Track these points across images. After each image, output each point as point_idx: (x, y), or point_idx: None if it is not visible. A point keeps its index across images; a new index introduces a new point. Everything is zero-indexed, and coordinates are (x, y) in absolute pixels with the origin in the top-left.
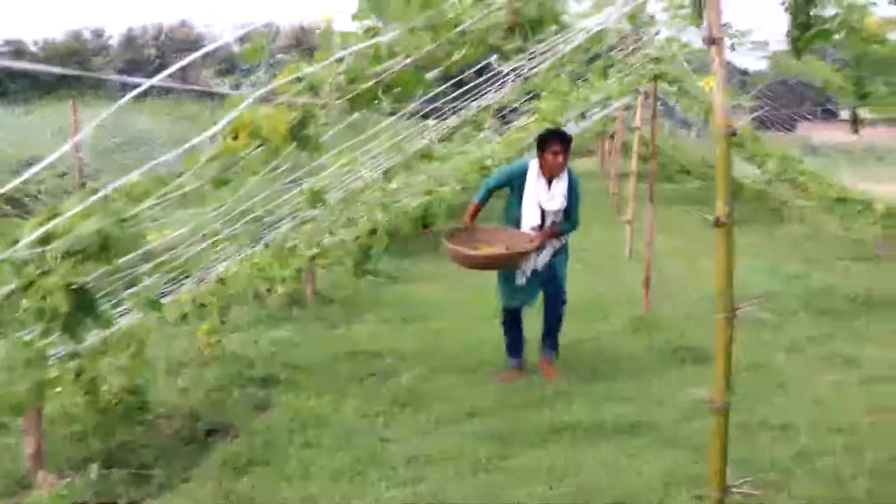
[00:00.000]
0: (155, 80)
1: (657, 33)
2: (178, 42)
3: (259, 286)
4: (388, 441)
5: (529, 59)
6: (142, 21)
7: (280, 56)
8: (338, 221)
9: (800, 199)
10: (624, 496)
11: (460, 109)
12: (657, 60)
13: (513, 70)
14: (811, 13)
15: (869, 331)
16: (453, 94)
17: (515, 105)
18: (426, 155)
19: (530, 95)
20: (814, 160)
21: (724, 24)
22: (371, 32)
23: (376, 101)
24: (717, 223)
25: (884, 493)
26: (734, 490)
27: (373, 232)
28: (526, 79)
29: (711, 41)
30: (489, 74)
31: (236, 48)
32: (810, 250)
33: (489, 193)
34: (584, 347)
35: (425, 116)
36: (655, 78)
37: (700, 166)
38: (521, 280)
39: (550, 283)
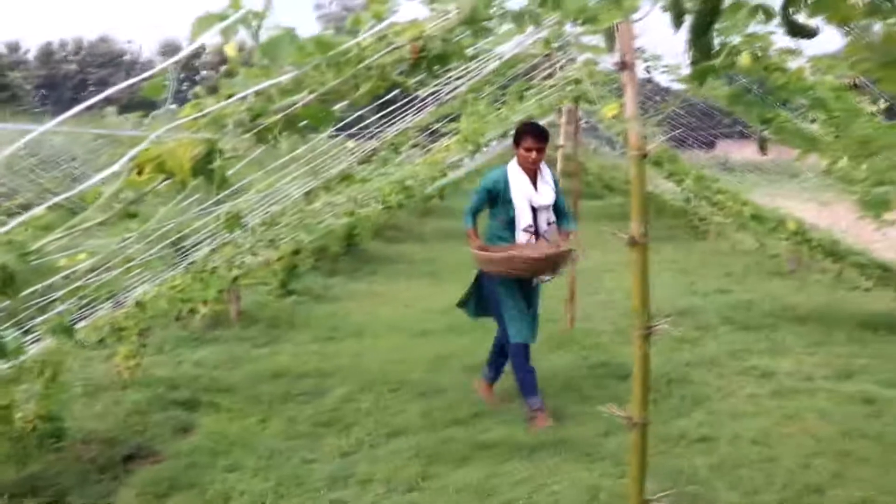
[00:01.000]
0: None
1: (574, 58)
2: (98, 56)
3: (181, 308)
4: (312, 462)
5: (446, 84)
6: (60, 35)
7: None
8: (260, 242)
9: (718, 216)
10: None
11: (379, 132)
12: (576, 82)
13: (431, 94)
14: (712, 41)
15: (784, 344)
16: (371, 119)
17: (436, 127)
18: (347, 177)
19: (449, 118)
20: (731, 178)
21: (637, 49)
22: (269, 71)
23: (283, 135)
24: (633, 242)
25: (795, 501)
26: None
27: (296, 252)
28: (443, 103)
29: (623, 66)
30: (406, 99)
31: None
32: (729, 266)
33: (476, 215)
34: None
35: (350, 135)
36: (576, 99)
37: (623, 183)
38: (522, 309)
39: (532, 305)
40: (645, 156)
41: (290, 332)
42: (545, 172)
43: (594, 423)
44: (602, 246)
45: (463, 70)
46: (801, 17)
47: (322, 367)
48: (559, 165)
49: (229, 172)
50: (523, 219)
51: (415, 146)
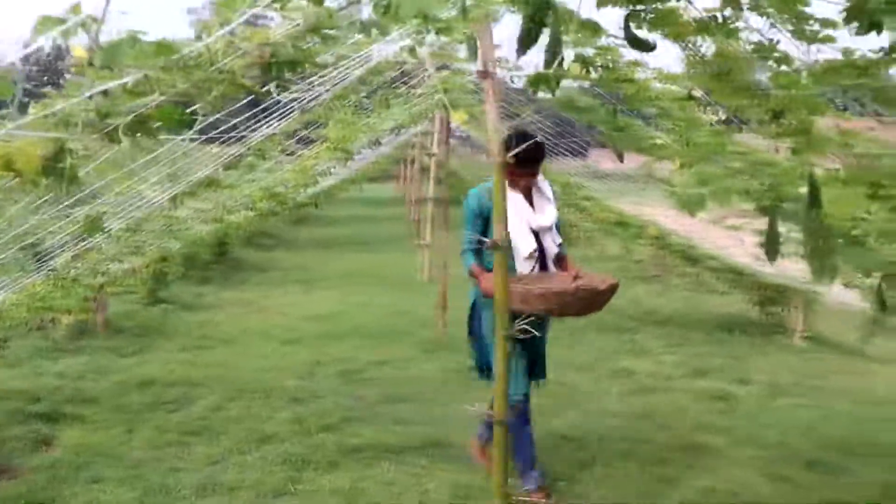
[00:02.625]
0: None
1: (446, 66)
2: None
3: (42, 316)
4: (180, 471)
5: (308, 91)
6: None
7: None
8: (125, 249)
9: (586, 222)
10: None
11: (243, 137)
12: (445, 90)
13: (293, 100)
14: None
15: (646, 346)
16: (232, 122)
17: (303, 133)
18: (212, 182)
19: (316, 125)
20: (601, 185)
21: (499, 59)
22: (112, 74)
23: (137, 136)
24: (495, 246)
25: (652, 492)
26: (517, 498)
27: (163, 259)
28: (306, 111)
29: (484, 75)
30: (268, 103)
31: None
32: (597, 271)
33: (477, 251)
34: (376, 371)
35: (213, 139)
36: (445, 107)
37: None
38: (520, 360)
39: (538, 351)
40: (505, 162)
41: (159, 341)
42: (542, 185)
43: (463, 425)
44: None
45: (325, 77)
46: (642, 32)
47: (192, 375)
48: (432, 173)
49: (81, 172)
50: (523, 245)
51: (285, 153)
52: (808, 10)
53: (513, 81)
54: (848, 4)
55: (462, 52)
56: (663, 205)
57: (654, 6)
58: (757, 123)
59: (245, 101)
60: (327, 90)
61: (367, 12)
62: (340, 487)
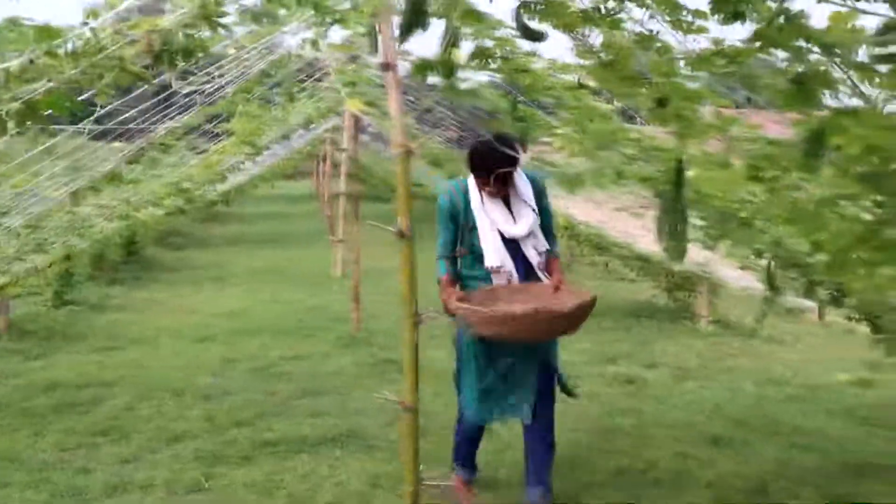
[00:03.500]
0: None
1: (355, 59)
2: None
3: None
4: (90, 472)
5: (209, 83)
6: None
7: None
8: (26, 247)
9: None
10: (329, 502)
11: (144, 130)
12: (352, 84)
13: (195, 92)
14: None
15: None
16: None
17: (208, 128)
18: (115, 177)
19: (221, 118)
20: None
21: (401, 51)
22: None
23: (26, 123)
24: (401, 235)
25: (557, 475)
26: (427, 482)
27: (68, 258)
28: (210, 104)
29: (386, 67)
30: (166, 94)
31: None
32: None
33: (452, 257)
34: (289, 366)
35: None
36: (367, 104)
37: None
38: (497, 382)
39: (542, 373)
40: (409, 152)
41: (67, 343)
42: (520, 184)
43: (378, 416)
44: (389, 247)
45: (225, 68)
46: (534, 23)
47: (101, 376)
48: (344, 168)
49: None
50: (490, 256)
51: (190, 148)
52: (682, 1)
53: (415, 75)
54: None
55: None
56: (576, 196)
57: None
58: (646, 111)
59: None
60: (226, 81)
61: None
62: (255, 481)
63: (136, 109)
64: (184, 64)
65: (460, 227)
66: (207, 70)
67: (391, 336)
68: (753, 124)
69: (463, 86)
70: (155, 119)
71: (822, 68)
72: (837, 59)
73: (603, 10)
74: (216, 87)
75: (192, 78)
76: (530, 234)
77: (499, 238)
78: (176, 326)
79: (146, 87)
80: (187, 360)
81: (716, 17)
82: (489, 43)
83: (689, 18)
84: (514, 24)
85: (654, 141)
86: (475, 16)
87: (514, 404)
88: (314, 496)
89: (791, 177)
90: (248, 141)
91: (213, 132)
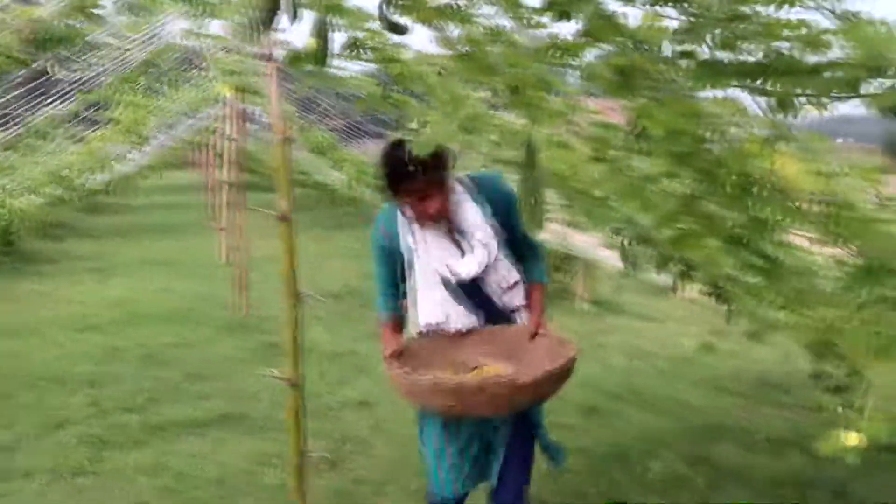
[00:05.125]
0: None
1: (234, 48)
2: None
3: None
4: None
5: (89, 70)
6: None
7: None
8: None
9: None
10: (216, 479)
11: (18, 117)
12: (237, 73)
13: (76, 80)
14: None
15: None
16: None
17: (86, 115)
18: None
19: (100, 106)
20: None
21: (282, 42)
22: None
23: None
24: (282, 218)
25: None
26: (311, 455)
27: None
28: (88, 91)
29: (266, 57)
30: (41, 80)
31: None
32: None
33: (393, 296)
34: (177, 353)
35: None
36: (237, 89)
37: (297, 174)
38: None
39: (517, 426)
40: (288, 139)
41: None
42: (463, 201)
43: (266, 398)
44: (276, 238)
45: (104, 57)
46: (397, 17)
47: None
48: (226, 157)
49: None
50: (426, 310)
51: (69, 136)
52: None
53: (289, 66)
54: None
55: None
56: None
57: None
58: (503, 99)
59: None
60: (105, 69)
61: None
62: (143, 463)
63: (12, 95)
64: (64, 52)
65: (399, 263)
66: (85, 58)
67: (277, 321)
68: (594, 110)
69: (336, 75)
70: (31, 106)
71: (639, 62)
72: (649, 55)
73: (455, 7)
74: (94, 74)
75: (72, 66)
76: (488, 265)
77: (439, 283)
78: (58, 317)
79: (20, 74)
80: (70, 349)
81: (548, 15)
82: (360, 34)
83: (529, 15)
84: (378, 18)
85: (516, 126)
86: (340, 9)
87: (481, 472)
88: (202, 474)
89: (629, 157)
90: (133, 130)
91: (92, 120)
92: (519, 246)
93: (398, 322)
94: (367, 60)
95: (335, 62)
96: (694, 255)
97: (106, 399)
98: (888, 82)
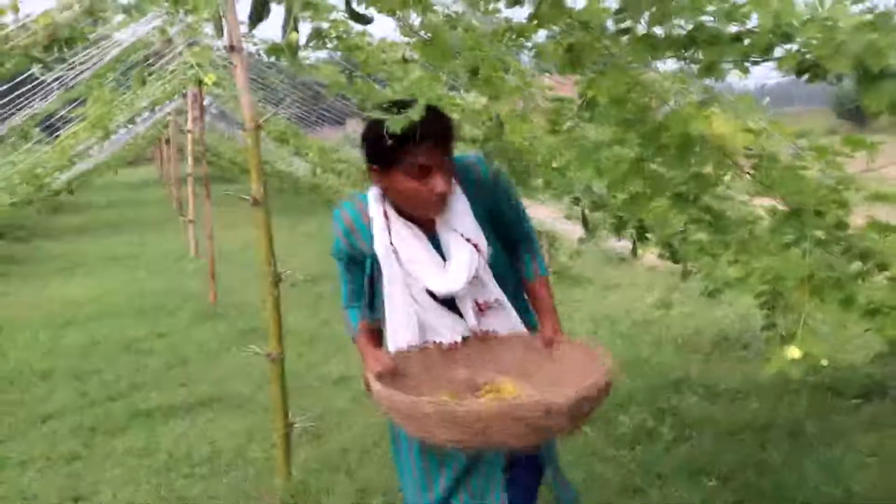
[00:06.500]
0: None
1: (192, 42)
2: None
3: None
4: None
5: (70, 69)
6: None
7: None
8: None
9: (346, 187)
10: (206, 458)
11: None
12: (198, 66)
13: (57, 79)
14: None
15: None
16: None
17: (62, 112)
18: None
19: (76, 103)
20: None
21: (246, 34)
22: None
23: None
24: (255, 202)
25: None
26: (296, 425)
27: None
28: (69, 88)
29: (231, 49)
30: (32, 84)
31: None
32: None
33: (359, 305)
34: (154, 343)
35: None
36: (199, 82)
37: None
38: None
39: (524, 465)
40: (259, 127)
41: None
42: (455, 198)
43: (247, 380)
44: (243, 226)
45: (86, 56)
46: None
47: None
48: (189, 150)
49: None
50: (398, 331)
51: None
52: None
53: (259, 55)
54: None
55: (208, 29)
56: None
57: None
58: (464, 80)
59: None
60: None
61: None
62: (134, 446)
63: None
64: (69, 50)
65: (367, 271)
66: (65, 58)
67: (249, 307)
68: (549, 86)
69: (305, 63)
70: (13, 105)
71: (585, 40)
72: (593, 33)
73: None
74: (77, 73)
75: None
76: (475, 278)
77: (408, 298)
78: (32, 316)
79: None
80: (49, 346)
81: (502, 1)
82: (325, 25)
83: (484, 1)
84: (345, 9)
85: (476, 106)
86: (311, 4)
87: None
88: (191, 453)
89: (581, 127)
90: (100, 125)
91: (67, 118)
92: (510, 235)
93: (376, 332)
94: (332, 49)
95: (301, 52)
96: (646, 215)
97: (92, 390)
98: (795, 46)
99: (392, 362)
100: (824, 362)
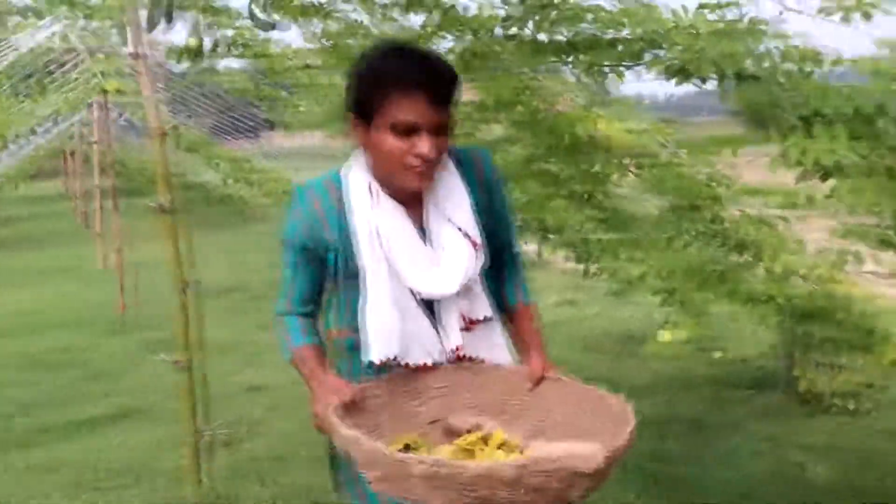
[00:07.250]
0: None
1: (100, 50)
2: None
3: None
4: None
5: None
6: None
7: None
8: None
9: (259, 197)
10: (116, 470)
11: None
12: (103, 74)
13: None
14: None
15: None
16: None
17: None
18: None
19: None
20: (277, 164)
21: (152, 42)
22: None
23: None
24: (162, 210)
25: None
26: (205, 433)
27: None
28: None
29: (135, 56)
30: None
31: None
32: (274, 244)
33: (310, 310)
34: (62, 357)
35: None
36: (104, 91)
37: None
38: None
39: None
40: (164, 134)
41: None
42: (452, 174)
43: (158, 391)
44: (153, 239)
45: None
46: (265, 15)
47: None
48: (96, 161)
49: None
50: (378, 340)
51: None
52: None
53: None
54: None
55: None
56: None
57: None
58: None
59: None
60: None
61: None
62: (36, 463)
63: None
64: None
65: (328, 266)
66: None
67: (159, 319)
68: None
69: (214, 69)
70: None
71: (477, 46)
72: (484, 40)
73: (317, 4)
74: None
75: None
76: (468, 283)
77: (392, 303)
78: None
79: None
80: None
81: (396, 10)
82: (230, 32)
83: (381, 10)
84: (248, 15)
85: None
86: (213, 8)
87: None
88: (98, 465)
89: (476, 128)
90: None
91: None
92: (496, 251)
93: (320, 350)
94: (238, 56)
95: (207, 60)
96: (546, 215)
97: None
98: (662, 53)
99: (360, 392)
100: (717, 354)
